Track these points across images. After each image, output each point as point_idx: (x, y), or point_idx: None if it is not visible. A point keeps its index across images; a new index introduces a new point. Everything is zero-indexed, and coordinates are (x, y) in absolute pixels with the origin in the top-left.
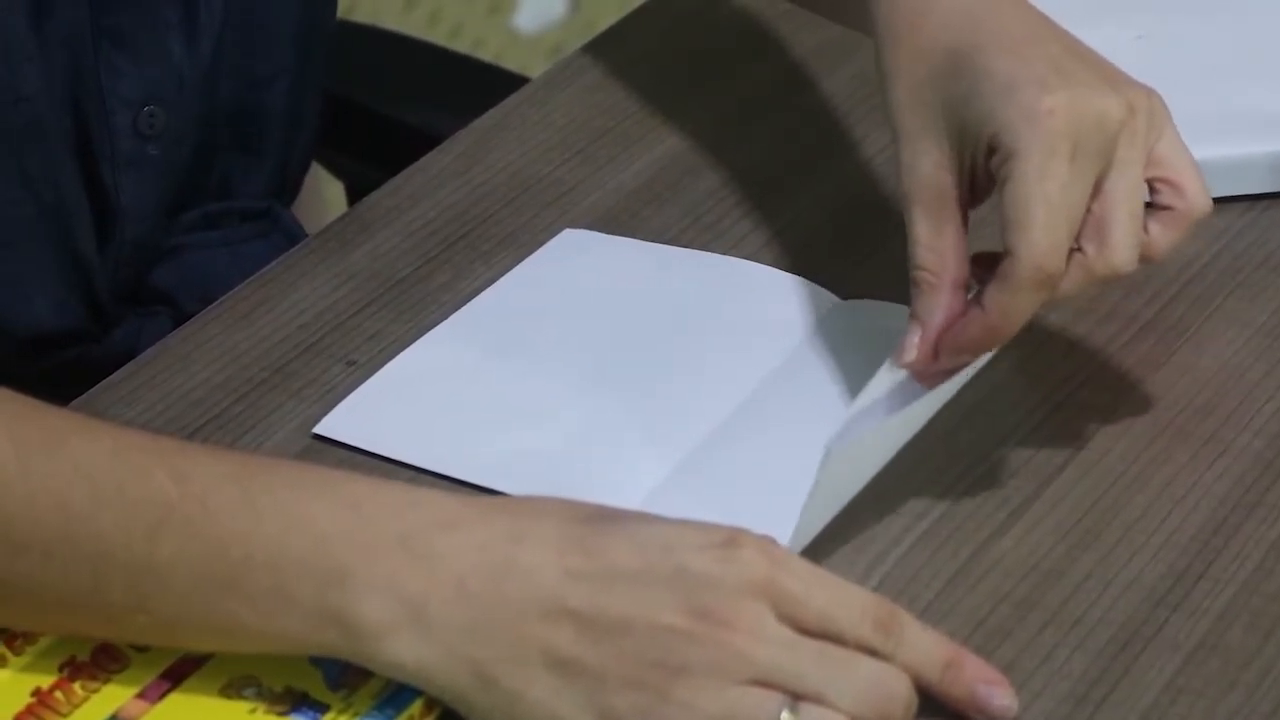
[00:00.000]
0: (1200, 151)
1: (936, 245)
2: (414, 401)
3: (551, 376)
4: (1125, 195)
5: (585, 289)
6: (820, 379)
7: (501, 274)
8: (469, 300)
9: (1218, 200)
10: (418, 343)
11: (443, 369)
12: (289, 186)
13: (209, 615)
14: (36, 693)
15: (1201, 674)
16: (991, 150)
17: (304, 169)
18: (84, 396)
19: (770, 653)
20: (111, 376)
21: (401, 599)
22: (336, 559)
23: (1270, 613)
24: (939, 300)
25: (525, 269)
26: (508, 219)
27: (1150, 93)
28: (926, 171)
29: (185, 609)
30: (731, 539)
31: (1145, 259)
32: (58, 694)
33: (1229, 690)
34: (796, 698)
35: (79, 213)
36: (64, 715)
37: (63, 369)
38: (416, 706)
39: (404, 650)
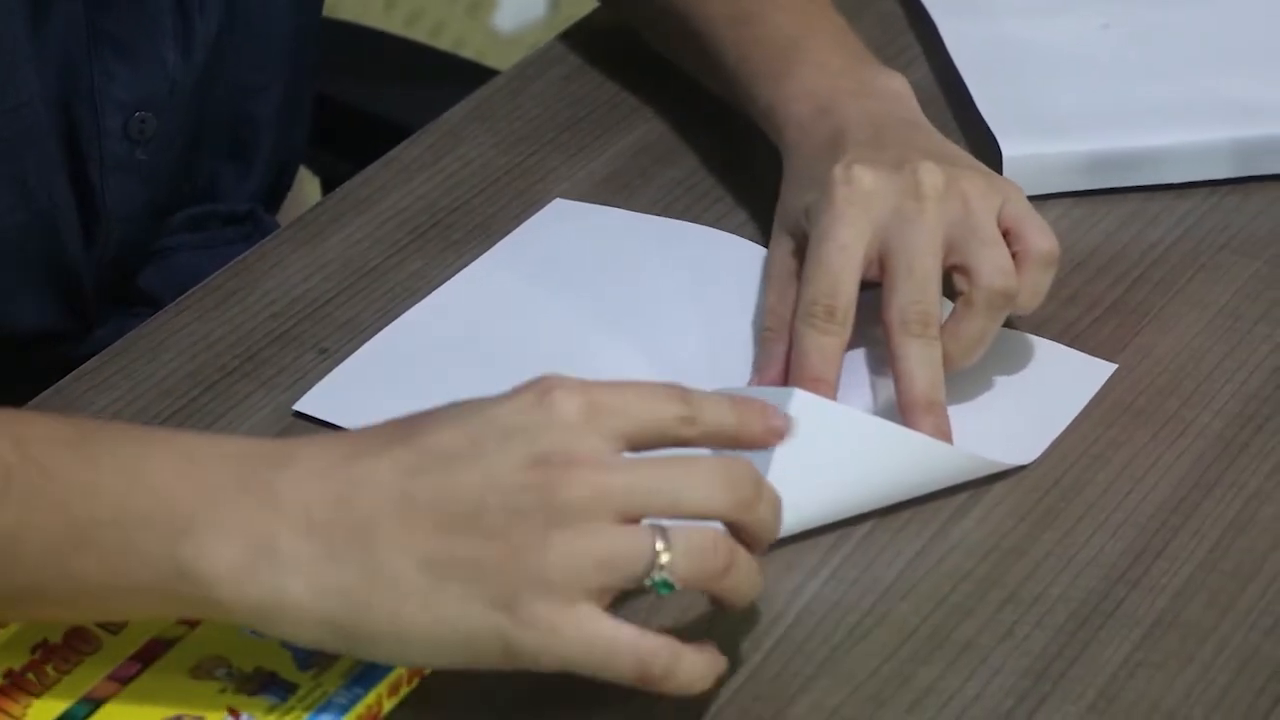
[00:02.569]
0: (1164, 137)
1: (779, 310)
2: (395, 378)
3: (535, 350)
4: (976, 230)
5: (572, 260)
6: None
7: (472, 262)
8: (439, 288)
9: (1181, 185)
10: (401, 318)
11: (425, 345)
12: (278, 192)
13: (60, 579)
14: (9, 674)
15: (1159, 649)
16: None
17: (293, 175)
18: (56, 385)
19: (619, 477)
20: (84, 365)
21: (249, 540)
22: (179, 510)
23: (1227, 589)
24: (776, 351)
25: (516, 237)
26: (479, 208)
27: (988, 173)
28: (778, 257)
29: (36, 575)
30: (537, 385)
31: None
32: (30, 675)
33: (1186, 664)
34: (659, 527)
35: (67, 215)
36: (36, 696)
37: (44, 367)
38: (385, 685)
39: (263, 592)
